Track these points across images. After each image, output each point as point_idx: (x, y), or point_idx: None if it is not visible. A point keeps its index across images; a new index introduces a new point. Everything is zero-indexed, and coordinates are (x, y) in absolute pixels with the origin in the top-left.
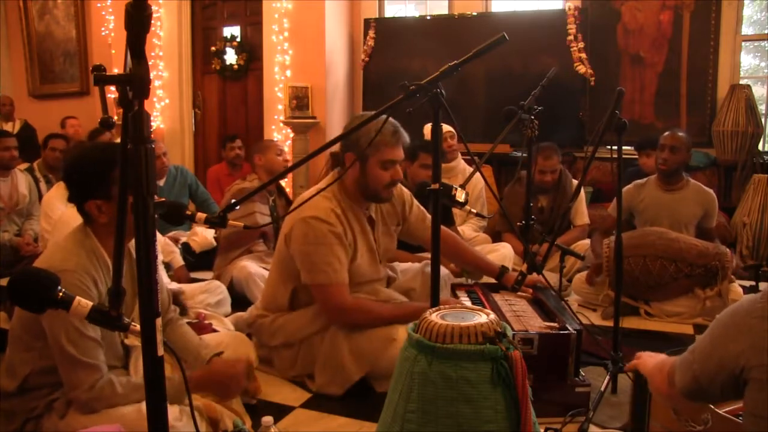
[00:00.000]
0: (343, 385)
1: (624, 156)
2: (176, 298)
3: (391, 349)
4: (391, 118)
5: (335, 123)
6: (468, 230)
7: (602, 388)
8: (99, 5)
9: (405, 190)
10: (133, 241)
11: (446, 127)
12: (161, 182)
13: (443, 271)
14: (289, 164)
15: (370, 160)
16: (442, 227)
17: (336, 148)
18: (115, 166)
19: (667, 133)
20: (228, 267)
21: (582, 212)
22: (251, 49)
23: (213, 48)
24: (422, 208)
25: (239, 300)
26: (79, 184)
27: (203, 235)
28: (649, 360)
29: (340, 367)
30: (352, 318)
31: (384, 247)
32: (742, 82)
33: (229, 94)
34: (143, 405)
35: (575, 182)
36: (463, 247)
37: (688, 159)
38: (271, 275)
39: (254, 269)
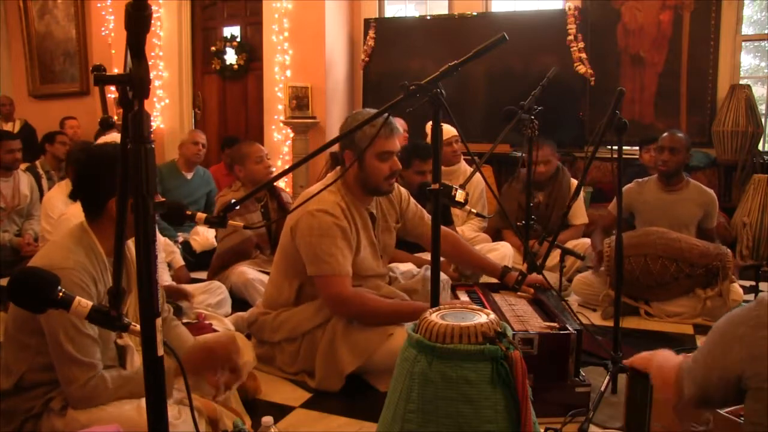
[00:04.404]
0: (339, 378)
1: (624, 156)
2: (171, 296)
3: (387, 344)
4: None
5: (335, 123)
6: (468, 231)
7: (602, 388)
8: (99, 5)
9: (402, 188)
10: (132, 240)
11: (451, 131)
12: (190, 174)
13: (443, 276)
14: (272, 169)
15: (367, 154)
16: (442, 226)
17: (336, 147)
18: None
19: (666, 134)
20: (226, 273)
21: (580, 213)
22: (251, 49)
23: (213, 48)
24: (419, 206)
25: (239, 304)
26: (106, 181)
27: (205, 236)
28: (655, 361)
29: (336, 359)
30: (352, 309)
31: (384, 243)
32: (742, 82)
33: (229, 94)
34: (143, 404)
35: (574, 181)
36: (463, 247)
37: (687, 159)
38: (273, 274)
39: (253, 275)
